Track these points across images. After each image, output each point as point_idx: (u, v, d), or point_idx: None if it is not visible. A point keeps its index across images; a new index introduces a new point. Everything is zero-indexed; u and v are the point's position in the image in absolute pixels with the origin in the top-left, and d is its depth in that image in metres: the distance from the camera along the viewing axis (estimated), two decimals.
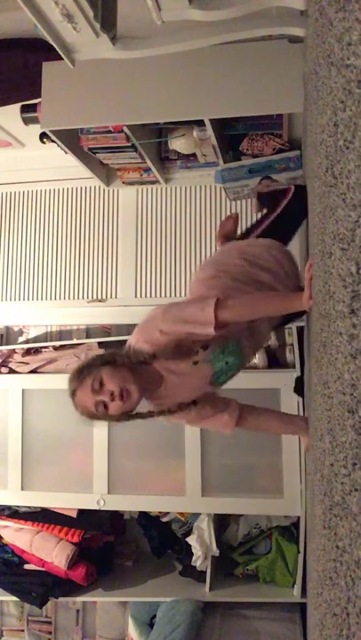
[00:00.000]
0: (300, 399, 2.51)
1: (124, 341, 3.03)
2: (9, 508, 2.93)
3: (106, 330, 3.18)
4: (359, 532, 0.57)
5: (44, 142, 2.78)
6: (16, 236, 3.35)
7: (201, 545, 2.69)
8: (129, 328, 2.86)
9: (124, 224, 3.21)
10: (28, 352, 3.01)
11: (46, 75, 2.36)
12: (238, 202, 2.97)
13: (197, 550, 2.70)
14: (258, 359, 2.72)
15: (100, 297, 3.20)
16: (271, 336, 2.37)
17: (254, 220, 2.24)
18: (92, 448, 2.78)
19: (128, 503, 2.81)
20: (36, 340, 3.25)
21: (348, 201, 0.60)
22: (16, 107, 2.58)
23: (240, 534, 2.78)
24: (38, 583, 2.83)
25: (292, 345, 2.67)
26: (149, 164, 2.82)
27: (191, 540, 2.73)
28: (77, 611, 3.11)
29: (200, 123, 2.44)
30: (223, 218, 2.47)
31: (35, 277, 3.31)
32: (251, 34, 1.87)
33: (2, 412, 2.91)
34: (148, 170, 2.95)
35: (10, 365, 3.00)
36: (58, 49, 1.74)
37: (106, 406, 1.41)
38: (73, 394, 1.45)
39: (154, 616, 2.77)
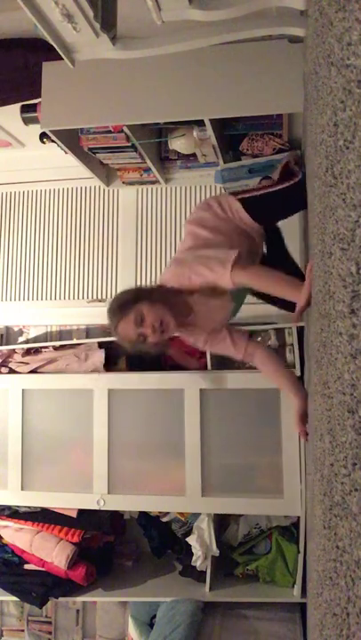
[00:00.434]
0: None
1: None
2: (9, 507, 2.93)
3: (106, 330, 3.18)
4: (359, 532, 0.57)
5: (44, 142, 2.78)
6: (16, 236, 3.35)
7: (201, 545, 2.69)
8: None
9: (124, 224, 3.21)
10: (28, 352, 3.01)
11: (46, 75, 2.36)
12: None
13: (197, 550, 2.70)
14: None
15: (100, 297, 3.21)
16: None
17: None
18: (92, 448, 2.78)
19: (128, 503, 2.81)
20: (36, 340, 3.25)
21: (348, 201, 0.60)
22: (16, 107, 2.58)
23: (240, 534, 2.78)
24: (38, 583, 2.83)
25: (292, 345, 2.67)
26: (149, 164, 2.82)
27: (191, 540, 2.73)
28: (77, 611, 3.11)
29: (200, 123, 2.44)
30: None
31: (35, 277, 3.31)
32: (251, 34, 1.87)
33: (2, 412, 2.91)
34: (148, 170, 2.95)
35: (10, 365, 3.00)
36: (58, 49, 1.75)
37: (145, 337, 1.61)
38: (116, 327, 1.65)
39: (154, 616, 2.77)
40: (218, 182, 2.80)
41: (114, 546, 3.09)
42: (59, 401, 2.91)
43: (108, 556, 3.03)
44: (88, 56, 1.81)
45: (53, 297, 3.27)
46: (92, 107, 2.38)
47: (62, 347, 3.01)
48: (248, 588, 2.74)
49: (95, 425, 2.78)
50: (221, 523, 2.85)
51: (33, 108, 2.57)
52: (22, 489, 2.85)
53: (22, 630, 3.18)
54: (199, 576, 2.80)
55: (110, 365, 2.90)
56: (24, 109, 2.61)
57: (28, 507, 2.90)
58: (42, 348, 3.02)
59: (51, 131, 2.46)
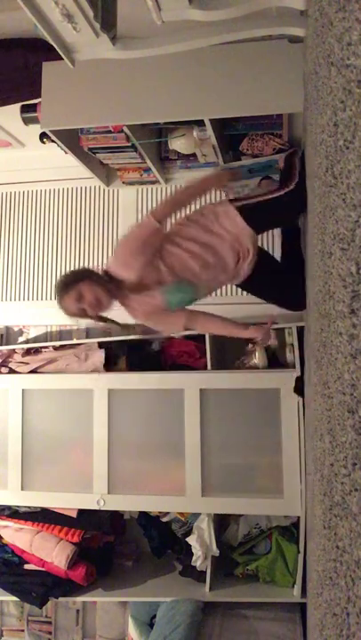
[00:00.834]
0: (300, 399, 2.51)
1: (125, 341, 3.03)
2: (9, 507, 2.93)
3: (106, 330, 3.18)
4: (359, 532, 0.57)
5: (44, 142, 2.78)
6: (16, 236, 3.35)
7: (201, 545, 2.69)
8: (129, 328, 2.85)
9: (124, 224, 3.21)
10: (28, 352, 3.01)
11: (46, 75, 2.36)
12: None
13: (197, 550, 2.70)
14: (258, 359, 2.72)
15: None
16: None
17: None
18: (92, 448, 2.78)
19: (128, 503, 2.81)
20: (36, 340, 3.25)
21: (348, 201, 0.60)
22: (16, 107, 2.58)
23: (240, 534, 2.78)
24: (38, 583, 2.83)
25: (292, 345, 2.67)
26: (149, 164, 2.82)
27: (191, 540, 2.73)
28: (77, 611, 3.11)
29: (200, 123, 2.44)
30: None
31: (35, 277, 3.31)
32: (251, 34, 1.87)
33: (2, 412, 2.91)
34: (148, 170, 2.95)
35: (10, 365, 3.00)
36: (58, 49, 1.75)
37: (84, 311, 1.94)
38: (60, 301, 1.97)
39: (154, 616, 2.77)
40: None
41: (114, 546, 3.09)
42: (59, 401, 2.91)
43: (108, 556, 3.03)
44: (88, 56, 1.81)
45: (53, 297, 3.25)
46: (92, 107, 2.37)
47: (62, 347, 3.01)
48: (248, 588, 2.74)
49: (95, 425, 2.78)
50: (221, 523, 2.85)
51: (33, 107, 2.57)
52: (22, 489, 2.85)
53: (22, 630, 3.18)
54: (199, 576, 2.80)
55: (110, 365, 2.90)
56: (24, 109, 2.61)
57: (28, 507, 2.90)
58: (42, 347, 3.02)
59: (51, 131, 2.46)
